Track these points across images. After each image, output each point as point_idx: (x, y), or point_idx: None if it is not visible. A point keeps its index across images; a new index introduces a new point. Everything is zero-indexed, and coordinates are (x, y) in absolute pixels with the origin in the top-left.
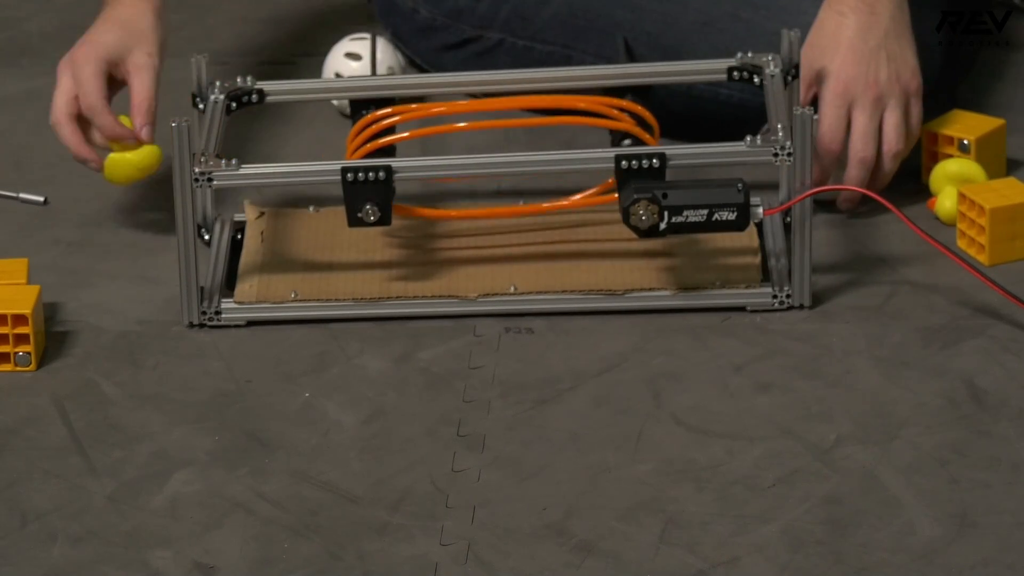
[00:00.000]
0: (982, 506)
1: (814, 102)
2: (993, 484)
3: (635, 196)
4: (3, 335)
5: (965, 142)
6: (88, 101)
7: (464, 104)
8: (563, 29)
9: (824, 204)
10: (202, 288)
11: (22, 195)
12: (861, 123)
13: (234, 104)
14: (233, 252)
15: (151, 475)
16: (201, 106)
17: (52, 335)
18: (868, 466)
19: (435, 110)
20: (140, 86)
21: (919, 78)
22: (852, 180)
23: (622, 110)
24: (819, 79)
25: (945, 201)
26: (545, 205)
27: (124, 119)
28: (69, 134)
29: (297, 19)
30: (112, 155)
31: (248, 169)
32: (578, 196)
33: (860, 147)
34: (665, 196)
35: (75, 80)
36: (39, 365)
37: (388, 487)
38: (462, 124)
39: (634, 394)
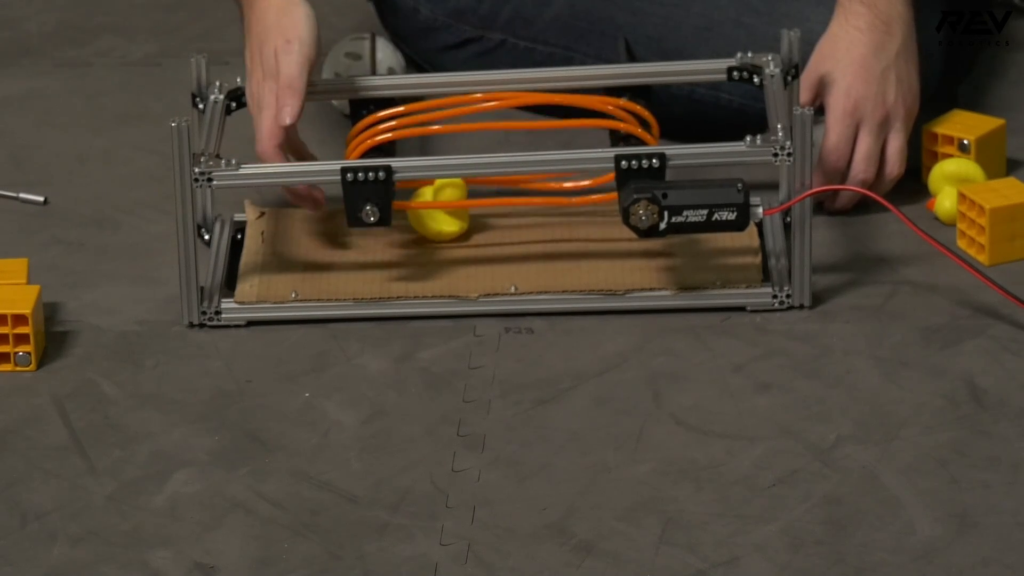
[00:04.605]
0: (982, 506)
1: (818, 110)
2: (993, 484)
3: (635, 196)
4: (3, 335)
5: (965, 142)
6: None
7: (465, 98)
8: (564, 31)
9: (822, 204)
10: (202, 288)
11: (22, 195)
12: (866, 144)
13: (234, 104)
14: (233, 252)
15: (151, 475)
16: (201, 106)
17: (52, 335)
18: (868, 466)
19: (438, 113)
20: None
21: (919, 102)
22: (847, 195)
23: (622, 110)
24: (824, 86)
25: (945, 201)
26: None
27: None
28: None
29: None
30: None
31: (248, 169)
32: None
33: (862, 168)
34: (665, 196)
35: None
36: (39, 365)
37: (388, 487)
38: (461, 125)
39: (634, 394)
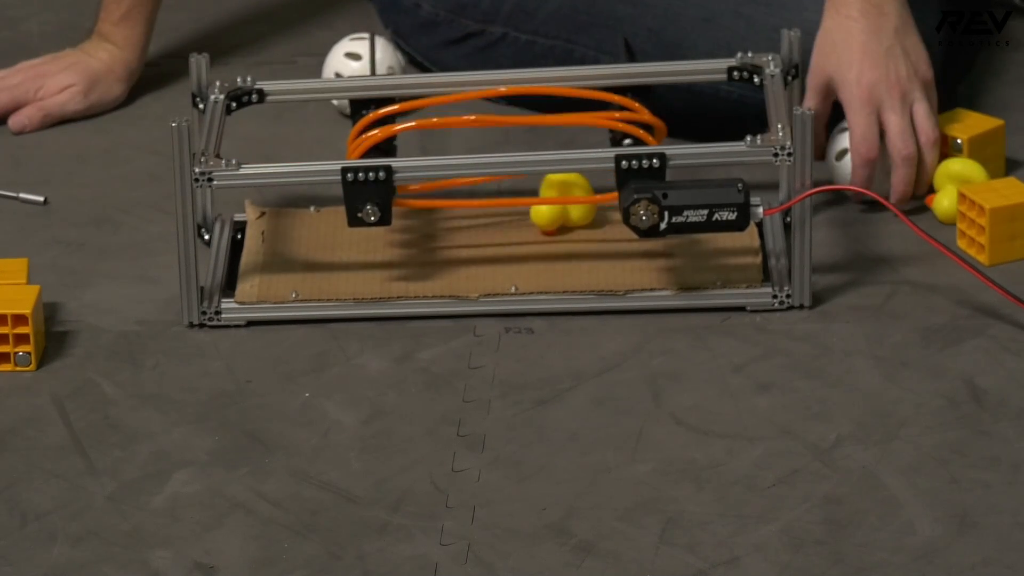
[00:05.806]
0: (982, 506)
1: (834, 110)
2: (993, 484)
3: (635, 196)
4: (3, 335)
5: (958, 141)
6: None
7: (467, 95)
8: (565, 23)
9: (826, 204)
10: (202, 288)
11: (22, 195)
12: (895, 122)
13: (234, 104)
14: (233, 252)
15: (151, 475)
16: (201, 106)
17: (52, 335)
18: (868, 466)
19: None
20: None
21: (932, 66)
22: (901, 179)
23: (623, 108)
24: (834, 88)
25: (943, 200)
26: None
27: None
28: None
29: (297, 19)
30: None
31: (248, 169)
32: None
33: (901, 145)
34: (665, 196)
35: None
36: (39, 365)
37: (388, 487)
38: (469, 118)
39: (634, 394)
